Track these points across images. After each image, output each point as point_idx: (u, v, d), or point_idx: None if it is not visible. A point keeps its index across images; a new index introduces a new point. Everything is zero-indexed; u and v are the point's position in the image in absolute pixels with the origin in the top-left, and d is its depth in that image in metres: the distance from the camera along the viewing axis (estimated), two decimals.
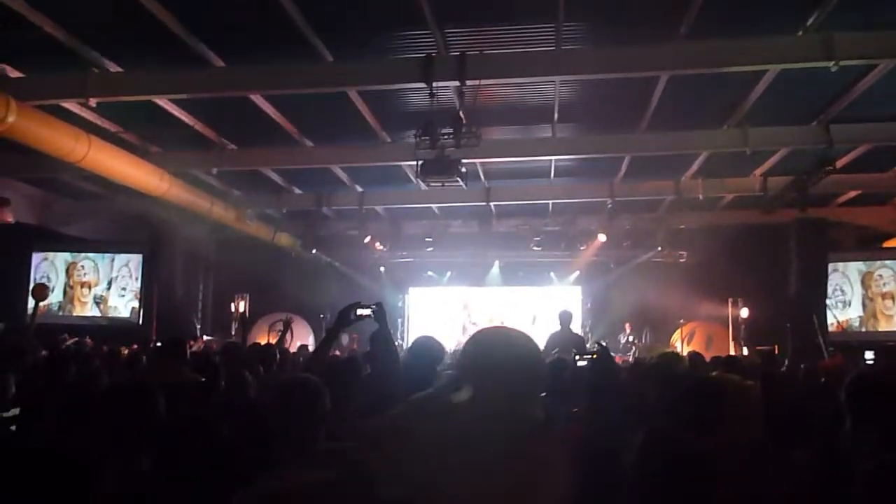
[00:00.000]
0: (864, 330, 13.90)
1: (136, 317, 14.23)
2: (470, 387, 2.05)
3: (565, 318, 9.80)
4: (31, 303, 11.75)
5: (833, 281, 14.17)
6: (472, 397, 2.04)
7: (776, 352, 11.50)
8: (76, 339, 10.61)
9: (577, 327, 14.35)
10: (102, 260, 14.78)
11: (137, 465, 2.58)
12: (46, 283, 13.66)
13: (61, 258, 14.72)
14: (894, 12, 6.74)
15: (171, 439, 2.84)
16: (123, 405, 2.75)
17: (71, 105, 8.79)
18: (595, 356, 4.02)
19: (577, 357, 4.08)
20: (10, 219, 11.46)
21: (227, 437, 3.29)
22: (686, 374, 5.60)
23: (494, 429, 1.99)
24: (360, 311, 4.09)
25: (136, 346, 9.38)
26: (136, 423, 2.68)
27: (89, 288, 14.74)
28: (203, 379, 4.84)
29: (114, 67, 8.08)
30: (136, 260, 14.59)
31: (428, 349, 4.60)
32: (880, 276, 14.22)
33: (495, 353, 2.11)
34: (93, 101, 8.09)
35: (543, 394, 2.15)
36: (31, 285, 13.30)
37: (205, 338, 14.24)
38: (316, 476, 2.00)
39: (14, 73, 8.20)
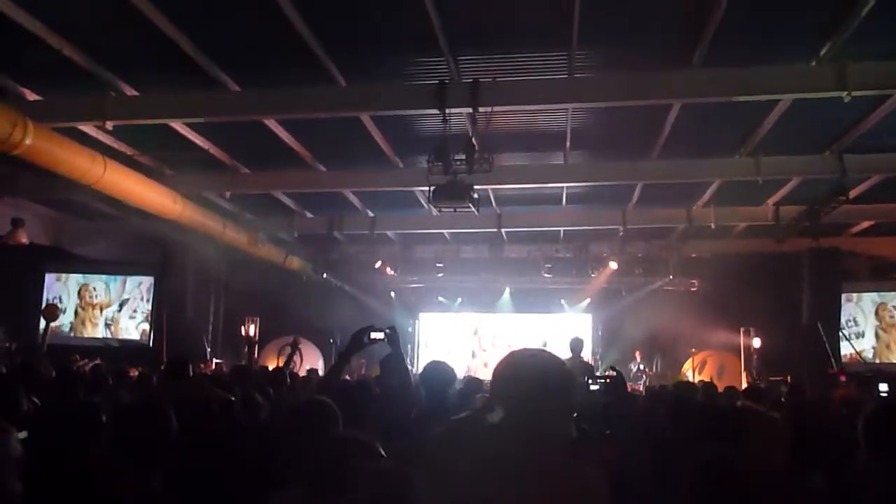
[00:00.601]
0: (877, 361, 13.76)
1: (147, 339, 14.28)
2: (502, 407, 2.09)
3: (576, 346, 9.79)
4: (42, 323, 11.83)
5: (846, 311, 14.07)
6: (504, 417, 2.07)
7: (788, 382, 11.42)
8: (86, 360, 10.64)
9: (587, 354, 14.30)
10: (114, 281, 14.86)
11: (150, 482, 2.57)
12: (57, 304, 13.73)
13: (73, 279, 14.80)
14: None
15: (184, 457, 2.83)
16: (135, 422, 2.74)
17: (87, 127, 8.87)
18: (608, 380, 4.01)
19: (590, 381, 4.05)
20: (25, 240, 11.53)
21: (238, 458, 3.27)
22: (705, 402, 5.58)
23: (526, 448, 2.03)
24: (373, 335, 4.10)
25: (140, 369, 9.33)
26: (148, 441, 2.67)
27: (101, 309, 14.79)
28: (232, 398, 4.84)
29: (130, 91, 8.16)
30: (147, 282, 14.67)
31: (440, 374, 4.59)
32: (894, 307, 14.12)
33: (525, 373, 2.15)
34: (109, 125, 8.17)
35: (575, 414, 2.18)
36: (43, 305, 13.38)
37: (215, 360, 14.25)
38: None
39: (32, 96, 8.30)
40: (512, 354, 2.25)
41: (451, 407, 3.99)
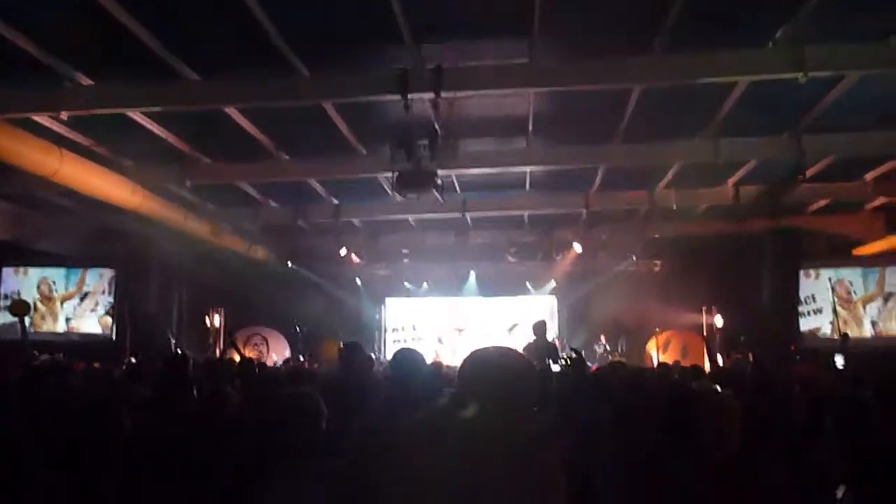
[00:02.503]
0: (835, 337, 14.06)
1: (110, 332, 14.08)
2: (476, 404, 2.19)
3: (539, 329, 9.83)
4: (10, 318, 11.54)
5: (805, 288, 14.37)
6: (478, 413, 2.17)
7: (751, 359, 11.61)
8: (47, 355, 10.44)
9: (552, 336, 14.40)
10: (75, 274, 14.60)
11: (98, 485, 2.54)
12: (24, 299, 13.43)
13: (33, 273, 14.52)
14: (861, 25, 6.88)
15: (138, 458, 2.80)
16: (85, 422, 2.71)
17: (42, 118, 8.68)
18: (568, 362, 4.08)
19: (550, 363, 4.10)
20: None
21: (205, 453, 3.25)
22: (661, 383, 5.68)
23: (499, 443, 2.13)
24: None
25: (96, 364, 9.16)
26: (98, 441, 2.64)
27: (61, 303, 14.55)
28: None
29: (86, 81, 7.99)
30: (108, 275, 14.44)
31: (411, 362, 4.59)
32: (851, 283, 14.44)
33: (493, 371, 2.27)
34: (64, 115, 8.02)
35: (535, 408, 2.31)
36: (8, 302, 13.08)
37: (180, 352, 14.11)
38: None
39: None
40: (478, 353, 2.35)
41: (421, 396, 3.99)
